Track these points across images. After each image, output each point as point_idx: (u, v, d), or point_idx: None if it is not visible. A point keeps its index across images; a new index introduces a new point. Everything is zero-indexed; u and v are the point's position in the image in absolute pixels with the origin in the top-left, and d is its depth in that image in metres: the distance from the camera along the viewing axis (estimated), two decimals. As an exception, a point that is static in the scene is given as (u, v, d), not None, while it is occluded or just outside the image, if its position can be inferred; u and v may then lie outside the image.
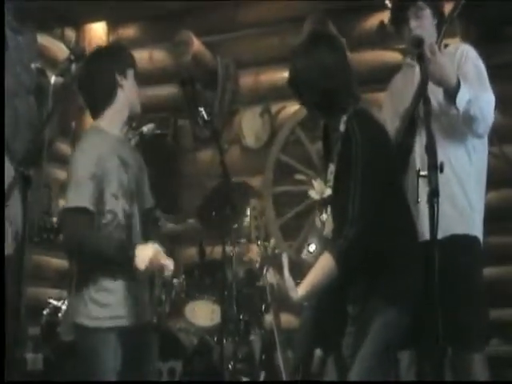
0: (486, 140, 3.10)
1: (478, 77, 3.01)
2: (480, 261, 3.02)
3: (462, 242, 2.95)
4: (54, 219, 4.29)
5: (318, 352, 3.06)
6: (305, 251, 4.11)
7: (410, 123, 2.97)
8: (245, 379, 4.30)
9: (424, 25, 3.08)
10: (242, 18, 5.81)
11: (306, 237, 5.21)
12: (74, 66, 3.08)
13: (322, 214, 2.88)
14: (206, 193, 4.98)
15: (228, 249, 4.25)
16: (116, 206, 2.95)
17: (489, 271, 3.11)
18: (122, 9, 5.73)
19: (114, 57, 3.15)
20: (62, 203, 3.00)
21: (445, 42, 3.13)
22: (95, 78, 3.07)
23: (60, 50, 5.72)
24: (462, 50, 3.09)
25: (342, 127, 2.69)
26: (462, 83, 2.82)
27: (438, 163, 2.27)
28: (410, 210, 2.75)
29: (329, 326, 2.91)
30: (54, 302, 4.55)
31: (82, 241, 2.84)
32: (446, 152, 2.88)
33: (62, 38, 5.91)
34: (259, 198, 4.66)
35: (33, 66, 4.79)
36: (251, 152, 5.82)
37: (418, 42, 2.85)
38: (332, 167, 2.79)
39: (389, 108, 3.25)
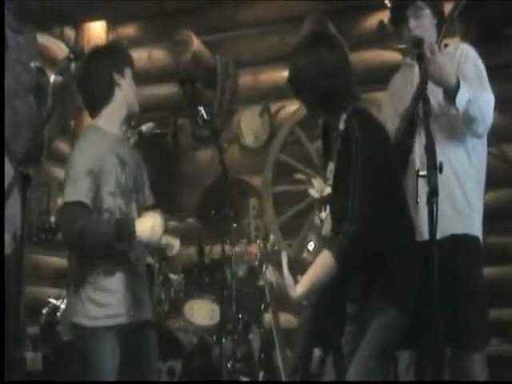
0: (485, 140, 3.10)
1: (478, 77, 3.01)
2: (480, 261, 3.02)
3: (461, 242, 2.95)
4: (52, 219, 4.29)
5: (317, 352, 3.07)
6: (305, 251, 4.12)
7: (410, 123, 2.96)
8: (244, 378, 4.30)
9: (423, 24, 3.08)
10: (242, 18, 5.81)
11: (305, 236, 5.21)
12: (73, 65, 3.08)
13: (321, 212, 2.88)
14: (203, 192, 4.99)
15: (227, 248, 4.25)
16: (113, 204, 2.95)
17: (488, 271, 3.11)
18: (122, 8, 5.73)
19: (111, 56, 3.15)
20: (60, 202, 3.00)
21: (444, 41, 3.13)
22: (93, 76, 3.08)
23: (59, 49, 5.72)
24: (462, 49, 3.09)
25: (341, 125, 2.69)
26: (461, 83, 2.82)
27: (438, 163, 2.27)
28: (409, 210, 2.75)
29: (328, 324, 2.91)
30: (54, 301, 4.56)
31: (81, 230, 2.83)
32: (446, 152, 2.89)
33: (61, 37, 5.91)
34: (259, 197, 4.66)
35: (32, 65, 4.80)
36: (250, 151, 5.82)
37: (418, 42, 2.85)
38: (331, 165, 2.78)
39: (388, 108, 3.25)
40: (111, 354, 2.88)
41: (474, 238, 3.00)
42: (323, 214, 2.88)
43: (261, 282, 4.27)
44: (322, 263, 2.57)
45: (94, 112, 3.11)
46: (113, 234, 2.84)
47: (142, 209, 3.06)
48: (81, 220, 2.84)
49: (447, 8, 3.18)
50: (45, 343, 4.52)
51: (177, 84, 5.20)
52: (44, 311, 4.55)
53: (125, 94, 3.09)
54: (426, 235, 2.39)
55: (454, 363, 2.90)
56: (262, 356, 4.35)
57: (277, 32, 5.69)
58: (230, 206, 3.49)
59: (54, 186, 4.77)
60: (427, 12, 3.10)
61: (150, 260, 4.24)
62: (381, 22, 5.17)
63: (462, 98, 2.81)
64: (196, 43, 5.64)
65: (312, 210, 5.28)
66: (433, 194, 2.24)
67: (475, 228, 3.02)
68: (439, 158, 2.29)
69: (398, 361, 2.99)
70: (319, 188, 5.19)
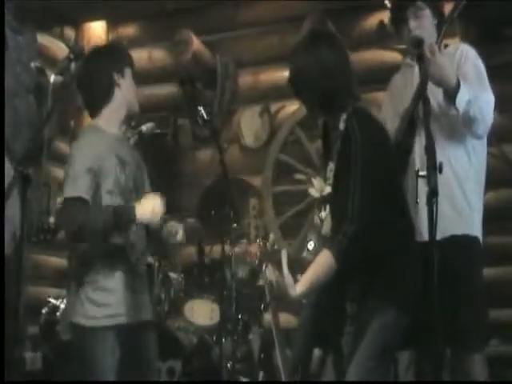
0: (485, 140, 3.10)
1: (478, 77, 3.00)
2: (480, 261, 3.02)
3: (461, 243, 2.95)
4: (51, 219, 4.29)
5: (316, 352, 3.06)
6: (305, 250, 4.12)
7: (410, 123, 2.96)
8: (244, 379, 4.30)
9: (423, 25, 3.07)
10: (242, 18, 5.81)
11: (305, 236, 5.21)
12: (73, 65, 3.09)
13: (321, 211, 2.88)
14: (203, 192, 4.98)
15: (227, 248, 4.25)
16: (112, 203, 2.95)
17: (487, 271, 3.10)
18: (122, 8, 5.73)
19: (111, 56, 3.16)
20: (60, 201, 3.01)
21: (444, 42, 3.13)
22: (93, 76, 3.08)
23: (59, 49, 5.71)
24: (462, 50, 3.08)
25: (341, 125, 2.69)
26: (461, 84, 2.82)
27: (438, 163, 2.27)
28: (409, 210, 2.75)
29: (328, 324, 2.91)
30: (53, 301, 4.56)
31: (81, 224, 2.83)
32: (446, 152, 2.89)
33: (61, 37, 5.90)
34: (259, 197, 4.66)
35: (32, 65, 4.80)
36: (250, 151, 5.82)
37: (418, 43, 2.85)
38: (332, 165, 2.78)
39: (388, 108, 3.25)
40: (111, 354, 2.88)
41: (474, 239, 3.00)
42: (323, 214, 2.88)
43: (261, 282, 4.27)
44: (322, 262, 2.57)
45: (94, 112, 3.11)
46: (111, 222, 2.84)
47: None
48: (81, 215, 2.84)
49: (447, 8, 3.17)
50: (44, 343, 4.52)
51: (177, 84, 5.20)
52: (44, 311, 4.55)
53: (125, 94, 3.10)
54: (425, 236, 2.39)
55: (454, 364, 2.90)
56: (262, 356, 4.36)
57: (277, 32, 5.69)
58: (230, 206, 3.49)
59: (54, 186, 4.77)
60: (427, 12, 3.09)
61: (150, 260, 4.24)
62: (381, 23, 5.17)
63: (462, 99, 2.81)
64: (196, 43, 5.64)
65: (312, 210, 5.28)
66: (433, 194, 2.24)
67: (475, 228, 3.01)
68: (439, 158, 2.29)
69: (398, 361, 2.99)
70: (319, 187, 5.19)
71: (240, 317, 4.51)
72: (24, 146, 4.22)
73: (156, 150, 3.06)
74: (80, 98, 3.16)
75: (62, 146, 5.51)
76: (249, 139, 5.82)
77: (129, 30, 6.20)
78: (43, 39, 5.52)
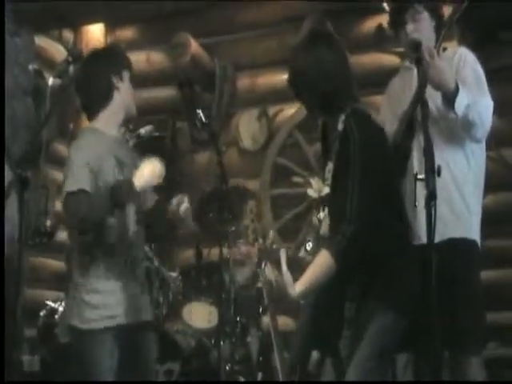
0: (484, 144, 3.10)
1: (477, 81, 3.00)
2: (477, 265, 3.02)
3: (459, 246, 2.95)
4: (48, 223, 4.28)
5: (315, 354, 3.06)
6: (302, 250, 4.11)
7: (408, 126, 2.96)
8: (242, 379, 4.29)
9: (421, 28, 3.07)
10: (240, 20, 5.80)
11: (304, 239, 5.21)
12: (71, 68, 3.09)
13: (319, 212, 2.87)
14: (201, 196, 4.98)
15: (225, 251, 4.25)
16: None
17: (486, 274, 3.11)
18: (120, 10, 5.72)
19: (110, 59, 3.16)
20: (58, 204, 3.00)
21: (442, 45, 3.13)
22: (91, 79, 3.08)
23: (58, 52, 5.71)
24: (461, 54, 3.08)
25: (340, 126, 2.69)
26: (460, 88, 2.82)
27: (436, 167, 2.27)
28: (407, 213, 2.75)
29: (326, 326, 2.91)
30: (51, 304, 4.55)
31: (83, 215, 2.83)
32: (445, 156, 2.89)
33: (59, 40, 5.90)
34: (257, 200, 4.66)
35: (30, 67, 4.80)
36: (248, 154, 5.82)
37: (416, 46, 2.84)
38: (330, 166, 2.78)
39: (387, 111, 3.25)
40: (109, 357, 2.88)
41: (472, 242, 3.00)
42: (321, 214, 2.87)
43: (259, 284, 4.27)
44: (321, 263, 2.57)
45: (92, 115, 3.11)
46: (112, 197, 2.82)
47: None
48: (84, 206, 2.83)
49: (446, 11, 3.18)
50: (42, 346, 4.51)
51: (175, 87, 5.18)
52: (42, 314, 4.55)
53: (123, 96, 3.10)
54: (424, 239, 2.39)
55: (452, 366, 2.90)
56: (261, 359, 4.35)
57: (275, 35, 5.68)
58: (228, 209, 3.49)
59: (52, 189, 4.77)
60: (425, 15, 3.09)
61: (148, 263, 4.23)
62: (379, 26, 5.17)
63: (460, 103, 2.81)
64: (194, 46, 5.64)
65: (310, 212, 5.27)
66: (431, 197, 2.24)
67: (473, 232, 3.02)
68: (438, 161, 2.29)
69: (396, 360, 2.99)
70: (317, 188, 5.19)
71: (238, 319, 4.51)
72: (22, 148, 4.21)
73: (154, 152, 3.05)
74: (78, 101, 3.16)
75: (60, 148, 5.50)
76: (247, 142, 5.82)
77: (127, 33, 6.19)
78: (41, 41, 5.52)
